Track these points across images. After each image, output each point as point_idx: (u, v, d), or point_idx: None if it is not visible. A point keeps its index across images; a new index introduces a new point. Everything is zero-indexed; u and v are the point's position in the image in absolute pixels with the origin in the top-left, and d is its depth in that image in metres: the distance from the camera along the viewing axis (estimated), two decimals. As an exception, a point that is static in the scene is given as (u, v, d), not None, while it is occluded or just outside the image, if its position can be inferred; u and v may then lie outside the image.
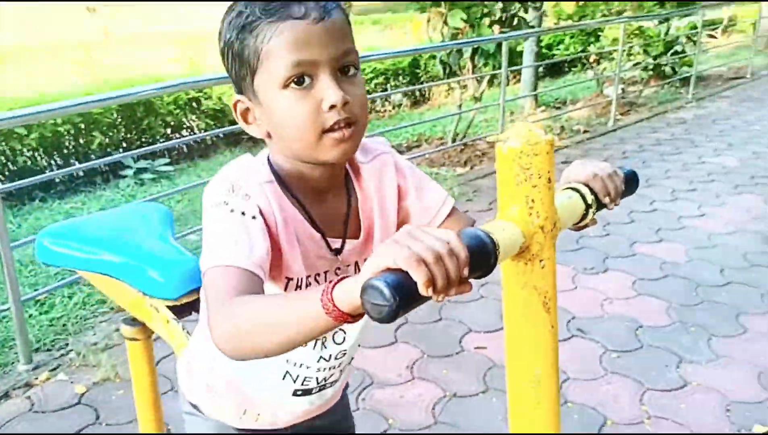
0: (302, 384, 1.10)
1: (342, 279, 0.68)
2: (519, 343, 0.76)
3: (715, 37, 12.64)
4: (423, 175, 1.09)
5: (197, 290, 1.23)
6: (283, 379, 1.09)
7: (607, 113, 6.99)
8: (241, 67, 0.90)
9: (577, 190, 0.85)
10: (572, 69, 9.80)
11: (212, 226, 0.89)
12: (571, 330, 2.98)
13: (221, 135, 6.11)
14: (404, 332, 2.96)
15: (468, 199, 4.72)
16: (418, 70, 8.61)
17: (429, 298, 0.62)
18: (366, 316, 1.04)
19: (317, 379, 1.11)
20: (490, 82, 6.32)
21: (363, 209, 1.02)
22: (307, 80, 0.87)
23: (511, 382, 0.78)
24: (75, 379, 2.63)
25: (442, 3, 5.39)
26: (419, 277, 0.60)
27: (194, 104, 6.15)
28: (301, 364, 1.07)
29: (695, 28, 8.40)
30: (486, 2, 5.42)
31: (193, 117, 6.16)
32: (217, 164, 5.85)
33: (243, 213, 0.89)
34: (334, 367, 1.11)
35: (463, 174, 5.32)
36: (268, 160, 0.97)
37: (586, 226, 0.88)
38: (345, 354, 1.10)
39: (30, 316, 3.02)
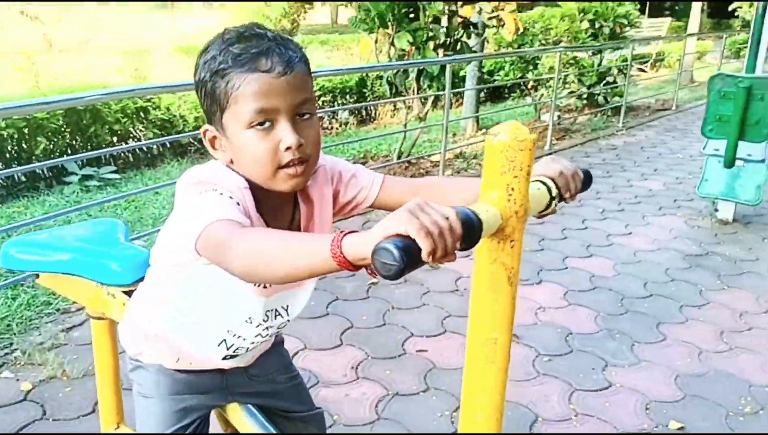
0: (234, 352, 1.23)
1: (350, 232, 0.79)
2: (482, 310, 0.87)
3: (645, 71, 13.32)
4: (352, 167, 1.23)
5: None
6: (218, 345, 1.21)
7: (544, 138, 7.30)
8: (212, 103, 1.03)
9: (545, 184, 0.96)
10: (512, 95, 10.17)
11: (203, 203, 0.99)
12: (507, 335, 3.13)
13: (168, 144, 6.10)
14: (349, 336, 3.06)
15: None
16: (365, 90, 8.77)
17: (425, 262, 0.72)
18: (307, 296, 1.18)
19: (247, 348, 1.24)
20: (434, 104, 6.52)
21: (304, 219, 1.16)
22: (268, 123, 1.00)
23: (470, 341, 0.89)
24: (21, 377, 2.62)
25: (390, 25, 5.56)
26: (425, 246, 0.70)
27: (142, 114, 6.12)
28: (239, 336, 1.19)
29: (627, 60, 8.87)
30: (431, 26, 5.62)
31: (141, 126, 6.13)
32: (164, 174, 5.84)
33: (230, 197, 1.00)
34: (266, 341, 1.25)
35: (407, 190, 5.45)
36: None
37: (547, 214, 1.00)
38: (279, 334, 1.24)
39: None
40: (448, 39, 5.78)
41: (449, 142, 5.80)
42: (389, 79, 5.96)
